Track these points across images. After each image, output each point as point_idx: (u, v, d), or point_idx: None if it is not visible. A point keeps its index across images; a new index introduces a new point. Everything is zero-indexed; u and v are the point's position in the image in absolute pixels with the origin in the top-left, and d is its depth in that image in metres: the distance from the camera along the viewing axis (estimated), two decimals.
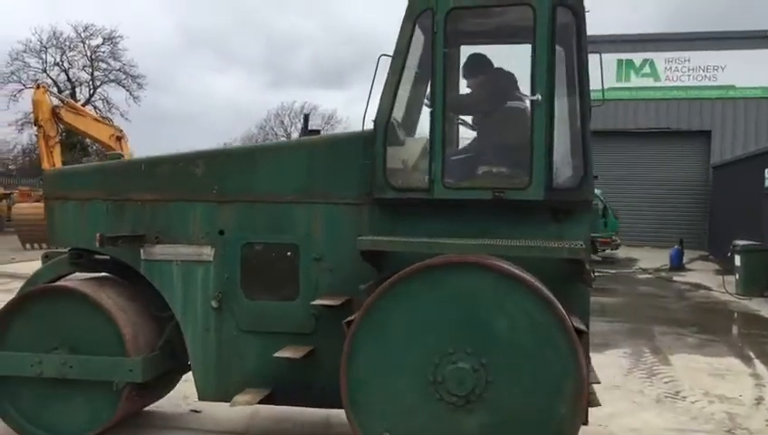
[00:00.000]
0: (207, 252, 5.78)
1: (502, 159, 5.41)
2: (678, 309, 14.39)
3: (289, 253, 5.65)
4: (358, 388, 4.90)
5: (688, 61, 27.65)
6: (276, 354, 5.40)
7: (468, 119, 6.00)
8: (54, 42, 47.87)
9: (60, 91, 41.83)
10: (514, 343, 4.69)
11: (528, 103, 5.20)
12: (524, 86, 5.46)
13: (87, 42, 48.35)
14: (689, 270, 21.99)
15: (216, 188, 5.78)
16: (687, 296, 16.69)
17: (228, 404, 5.54)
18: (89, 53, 48.59)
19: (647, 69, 28.10)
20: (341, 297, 5.44)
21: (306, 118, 6.27)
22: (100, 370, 5.69)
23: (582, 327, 4.82)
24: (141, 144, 50.54)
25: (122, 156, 6.71)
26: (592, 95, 5.12)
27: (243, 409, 6.09)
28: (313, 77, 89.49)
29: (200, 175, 5.82)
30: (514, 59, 5.73)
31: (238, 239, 5.73)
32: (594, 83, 5.21)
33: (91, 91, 49.23)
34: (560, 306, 4.62)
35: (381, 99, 5.34)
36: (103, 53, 49.04)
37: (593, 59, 5.11)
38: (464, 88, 5.94)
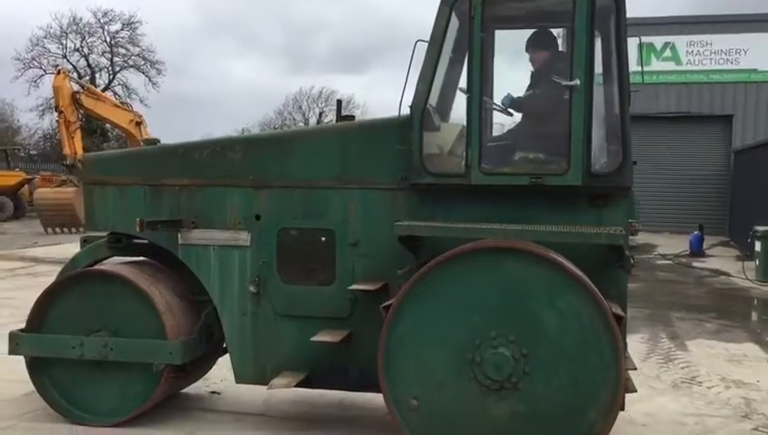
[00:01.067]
0: (244, 237, 5.84)
1: (541, 144, 5.40)
2: (697, 295, 14.33)
3: (325, 238, 5.70)
4: (394, 363, 4.97)
5: (710, 44, 27.36)
6: (314, 338, 5.47)
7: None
8: (74, 27, 48.16)
9: (80, 77, 42.04)
10: (559, 341, 4.72)
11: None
12: None
13: (106, 27, 48.57)
14: (709, 256, 21.85)
15: (253, 174, 5.83)
16: (706, 282, 16.61)
17: (265, 387, 5.64)
18: (108, 39, 48.83)
19: (668, 53, 27.86)
20: (378, 282, 5.49)
21: (339, 104, 6.30)
22: (141, 352, 5.78)
23: (621, 313, 4.84)
24: (160, 129, 50.73)
25: (158, 141, 6.75)
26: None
27: (260, 391, 6.23)
28: (333, 62, 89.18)
29: (237, 160, 5.87)
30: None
31: (274, 224, 5.78)
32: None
33: (111, 77, 49.50)
34: (610, 312, 4.64)
35: (418, 84, 5.35)
36: (122, 38, 49.29)
37: (631, 43, 5.11)
38: (521, 63, 5.88)
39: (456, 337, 4.86)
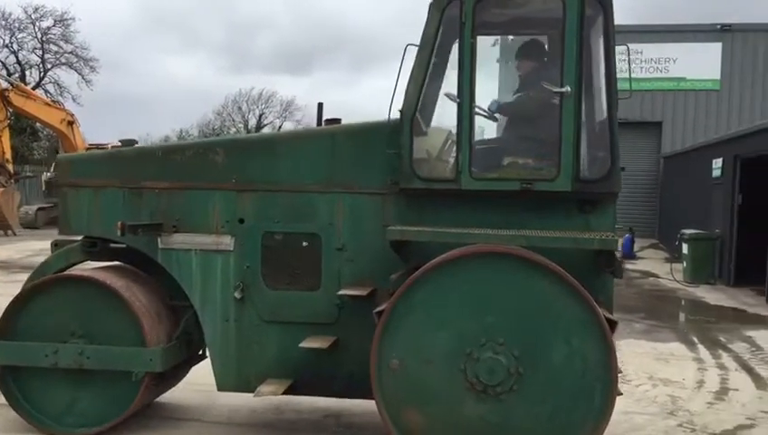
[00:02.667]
0: (227, 241, 5.73)
1: (531, 150, 5.46)
2: (627, 296, 14.72)
3: (311, 242, 5.64)
4: (387, 368, 4.93)
5: (641, 53, 28.14)
6: (302, 344, 5.40)
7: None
8: (3, 23, 46.31)
9: (9, 74, 40.54)
10: (552, 346, 4.78)
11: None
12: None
13: (37, 23, 46.90)
14: (640, 258, 22.53)
15: (236, 176, 5.73)
16: (636, 284, 17.12)
17: (248, 395, 5.55)
18: (39, 35, 47.16)
19: None
20: (367, 287, 5.46)
21: (320, 107, 6.23)
22: (119, 360, 5.62)
23: (613, 318, 4.93)
24: (94, 129, 49.39)
25: (136, 142, 6.55)
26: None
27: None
28: (276, 62, 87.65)
29: (220, 162, 5.76)
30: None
31: (259, 228, 5.69)
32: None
33: (42, 75, 47.72)
34: (606, 323, 4.71)
35: (408, 89, 5.34)
36: (54, 35, 47.61)
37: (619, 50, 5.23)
38: (511, 71, 5.93)
39: (450, 341, 4.85)
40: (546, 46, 5.89)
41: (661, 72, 28.39)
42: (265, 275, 5.68)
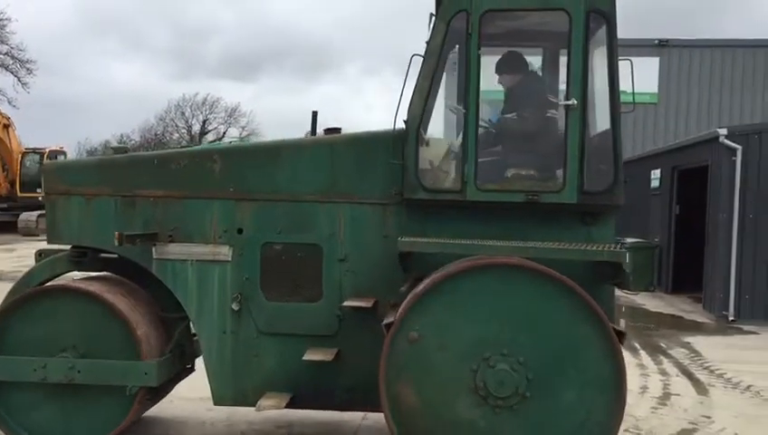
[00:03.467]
0: (225, 252, 5.61)
1: (534, 162, 5.49)
2: None
3: (312, 253, 5.56)
4: (397, 381, 4.87)
5: None
6: (306, 357, 5.33)
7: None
8: None
9: None
10: (562, 359, 4.81)
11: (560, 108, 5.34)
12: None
13: None
14: None
15: (235, 185, 5.62)
16: None
17: (243, 408, 5.46)
18: None
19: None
20: (369, 298, 5.43)
21: (315, 115, 6.15)
22: (114, 374, 5.44)
23: (622, 329, 5.00)
24: (31, 132, 47.76)
25: (128, 149, 6.35)
26: None
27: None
28: (223, 68, 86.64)
29: (218, 171, 5.65)
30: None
31: (258, 239, 5.60)
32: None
33: None
34: (617, 341, 4.76)
35: (413, 100, 5.32)
36: None
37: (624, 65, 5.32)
38: (495, 84, 5.94)
39: (473, 339, 4.82)
40: (531, 57, 5.98)
41: None
42: (264, 287, 5.58)
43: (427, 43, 5.37)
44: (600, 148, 5.34)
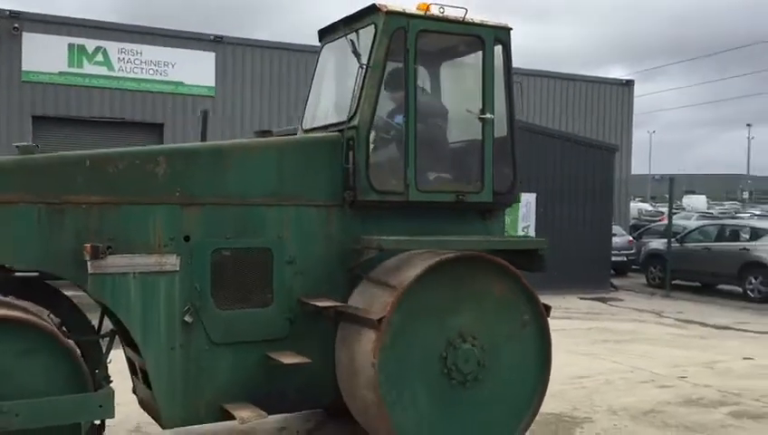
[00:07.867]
0: (172, 261, 5.15)
1: (461, 166, 6.24)
2: None
3: (262, 257, 5.47)
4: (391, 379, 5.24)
5: (141, 54, 28.41)
6: (286, 361, 5.28)
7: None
8: None
9: None
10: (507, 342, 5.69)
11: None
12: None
13: None
14: None
15: (180, 190, 5.20)
16: None
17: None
18: None
19: (99, 57, 27.97)
20: (321, 298, 5.57)
21: (205, 115, 5.77)
22: (63, 411, 4.60)
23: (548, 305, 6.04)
24: None
25: (37, 147, 5.02)
26: None
27: None
28: None
29: (161, 174, 5.14)
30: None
31: (207, 245, 5.27)
32: None
33: None
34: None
35: (363, 106, 5.63)
36: None
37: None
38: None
39: (437, 329, 5.40)
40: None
41: (161, 74, 29.12)
42: (216, 296, 5.29)
43: (370, 55, 5.70)
44: (502, 154, 6.28)
